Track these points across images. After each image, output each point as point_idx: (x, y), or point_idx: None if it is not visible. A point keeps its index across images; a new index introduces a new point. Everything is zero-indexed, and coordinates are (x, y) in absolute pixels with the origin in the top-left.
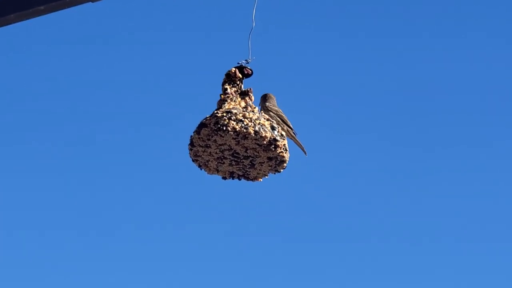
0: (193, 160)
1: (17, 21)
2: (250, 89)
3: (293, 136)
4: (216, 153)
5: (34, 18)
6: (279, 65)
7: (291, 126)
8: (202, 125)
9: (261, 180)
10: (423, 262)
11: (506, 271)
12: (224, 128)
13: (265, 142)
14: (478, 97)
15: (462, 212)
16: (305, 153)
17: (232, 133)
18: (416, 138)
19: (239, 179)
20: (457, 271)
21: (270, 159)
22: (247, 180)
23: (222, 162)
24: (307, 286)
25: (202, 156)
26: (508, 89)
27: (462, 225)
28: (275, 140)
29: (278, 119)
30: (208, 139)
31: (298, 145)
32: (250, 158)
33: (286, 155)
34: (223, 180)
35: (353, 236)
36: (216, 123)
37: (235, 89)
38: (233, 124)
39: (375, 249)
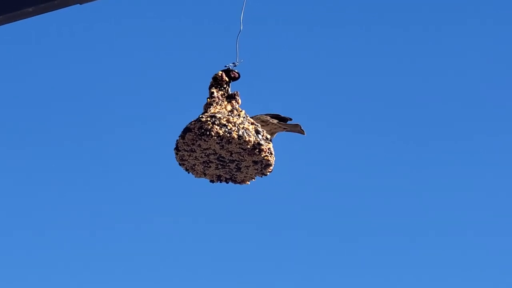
0: (179, 164)
1: (5, 23)
2: (237, 92)
3: (285, 128)
4: (201, 157)
5: (22, 20)
6: (267, 69)
7: (281, 116)
8: (187, 130)
9: (249, 183)
10: (421, 259)
11: None
12: (208, 133)
13: (249, 146)
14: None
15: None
16: (303, 132)
17: (215, 137)
18: (414, 134)
19: (227, 182)
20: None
21: (255, 162)
22: (235, 183)
23: (208, 166)
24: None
25: (188, 160)
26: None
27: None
28: (259, 144)
29: (267, 117)
30: (193, 144)
31: (294, 131)
32: (236, 162)
33: (272, 159)
34: (211, 183)
35: (348, 235)
36: (200, 127)
37: (222, 92)
38: (216, 128)
39: (372, 247)
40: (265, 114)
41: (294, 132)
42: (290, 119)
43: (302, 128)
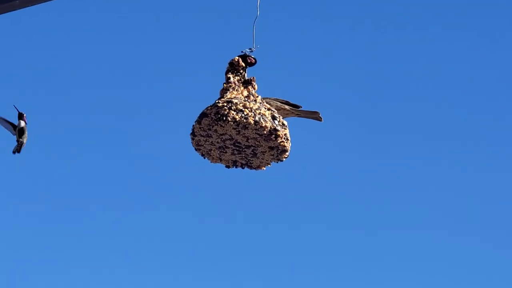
0: (195, 149)
1: (23, 7)
2: (253, 78)
3: (298, 114)
4: (217, 142)
5: (40, 4)
6: (283, 54)
7: (291, 103)
8: (203, 115)
9: (264, 168)
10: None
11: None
12: (224, 118)
13: (265, 132)
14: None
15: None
16: (321, 119)
17: (232, 123)
18: (428, 127)
19: (243, 168)
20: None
21: (271, 148)
22: (251, 168)
23: (224, 151)
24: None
25: (204, 145)
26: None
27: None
28: (276, 130)
29: (277, 103)
30: (209, 129)
31: (309, 117)
32: (252, 148)
33: (288, 145)
34: (227, 168)
35: (363, 225)
36: (217, 113)
37: (238, 78)
38: (233, 114)
39: (388, 239)
40: (274, 99)
41: (309, 118)
42: (300, 107)
43: (320, 115)
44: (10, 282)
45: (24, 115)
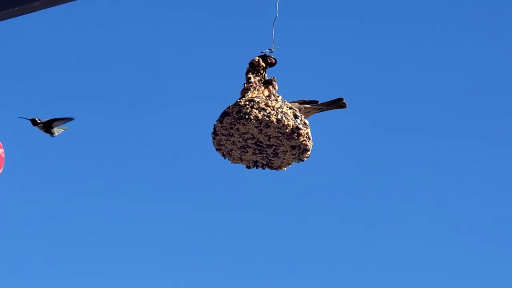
0: (216, 149)
1: (43, 8)
2: (273, 78)
3: (320, 109)
4: (239, 142)
5: (59, 5)
6: (303, 55)
7: (307, 101)
8: (225, 114)
9: (285, 169)
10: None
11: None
12: (247, 117)
13: (287, 130)
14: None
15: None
16: (345, 105)
17: (254, 121)
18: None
19: (263, 168)
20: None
21: (293, 147)
22: (271, 169)
23: (245, 151)
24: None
25: (226, 145)
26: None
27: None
28: (298, 128)
29: (296, 103)
30: (231, 128)
31: (332, 108)
32: (273, 147)
33: (309, 144)
34: (247, 169)
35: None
36: (239, 111)
37: (259, 78)
38: (255, 112)
39: (408, 235)
40: (291, 102)
41: (332, 109)
42: (317, 102)
43: (344, 101)
44: (9, 282)
45: (37, 119)
